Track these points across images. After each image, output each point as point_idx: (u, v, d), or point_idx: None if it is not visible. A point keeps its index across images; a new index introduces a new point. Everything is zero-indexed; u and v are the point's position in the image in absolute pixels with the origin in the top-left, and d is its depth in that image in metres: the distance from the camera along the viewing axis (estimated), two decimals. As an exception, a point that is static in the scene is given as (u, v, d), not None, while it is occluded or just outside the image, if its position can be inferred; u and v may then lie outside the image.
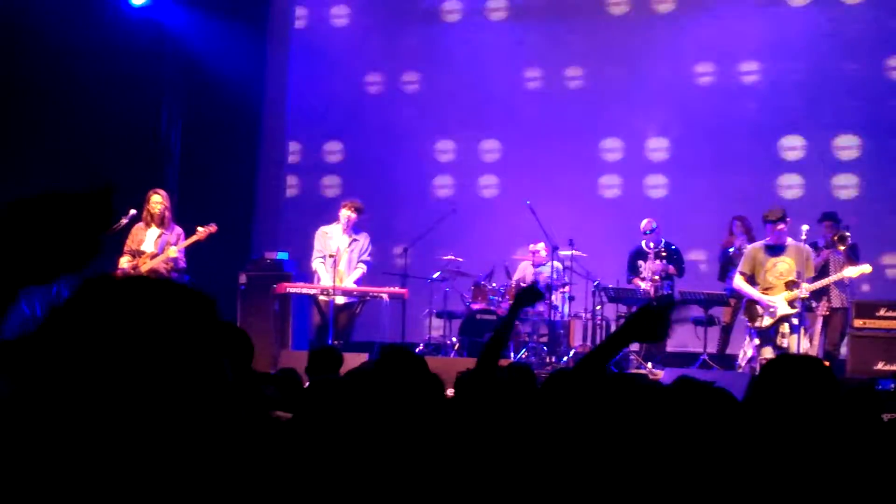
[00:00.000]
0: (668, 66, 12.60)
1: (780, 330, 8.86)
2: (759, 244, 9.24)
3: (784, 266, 8.94)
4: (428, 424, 2.98)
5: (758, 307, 8.96)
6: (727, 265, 10.75)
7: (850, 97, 12.04)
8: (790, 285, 8.85)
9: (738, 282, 9.19)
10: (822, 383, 3.01)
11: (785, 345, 8.78)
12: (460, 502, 2.68)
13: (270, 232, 13.78)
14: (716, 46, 12.48)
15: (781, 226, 8.96)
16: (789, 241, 9.05)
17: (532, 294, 4.14)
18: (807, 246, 9.17)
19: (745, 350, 9.10)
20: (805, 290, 8.85)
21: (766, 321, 8.89)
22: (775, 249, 9.02)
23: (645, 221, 11.10)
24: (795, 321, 8.86)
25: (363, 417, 3.01)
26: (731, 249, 10.70)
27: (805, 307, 9.04)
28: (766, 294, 8.92)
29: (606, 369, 3.23)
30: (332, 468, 2.65)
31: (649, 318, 3.07)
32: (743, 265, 9.21)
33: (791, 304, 8.83)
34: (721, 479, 2.54)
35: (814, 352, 8.99)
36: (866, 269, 9.12)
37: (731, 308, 10.75)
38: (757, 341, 8.96)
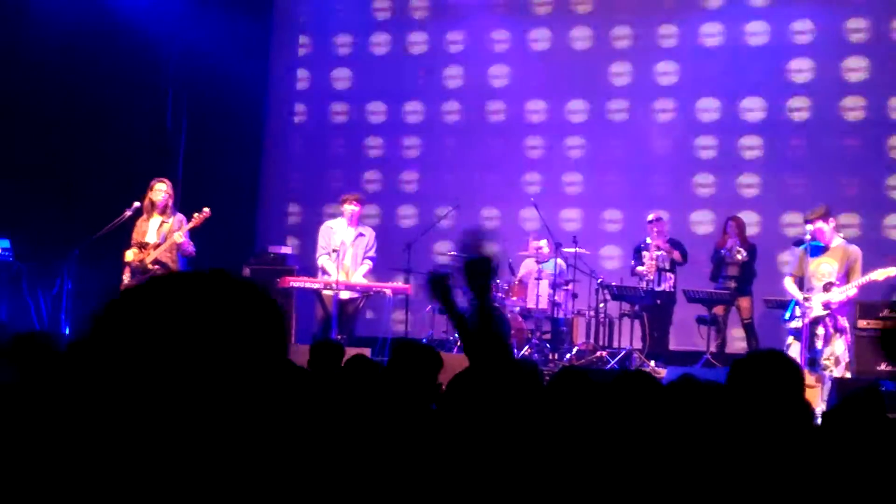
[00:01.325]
0: (672, 62, 12.60)
1: (815, 332, 8.88)
2: (805, 245, 9.20)
3: (826, 268, 8.94)
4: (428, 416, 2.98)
5: (797, 308, 8.99)
6: (720, 265, 10.77)
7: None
8: (827, 287, 8.86)
9: (787, 284, 9.23)
10: (788, 376, 3.04)
11: (819, 346, 8.81)
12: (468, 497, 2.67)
13: (274, 226, 13.78)
14: (722, 45, 12.47)
15: (820, 224, 8.93)
16: (837, 241, 9.04)
17: (442, 281, 3.74)
18: (855, 247, 9.16)
19: (786, 350, 9.12)
20: (838, 294, 8.85)
21: (799, 322, 8.93)
22: (817, 250, 9.02)
23: (652, 215, 11.09)
24: (832, 330, 8.85)
25: (374, 411, 3.01)
26: (723, 251, 10.70)
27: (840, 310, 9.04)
28: (810, 295, 8.94)
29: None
30: (346, 462, 2.65)
31: (474, 267, 3.14)
32: (792, 268, 9.26)
33: (826, 306, 8.84)
34: (718, 473, 2.54)
35: (850, 355, 8.98)
36: (892, 271, 9.01)
37: (724, 306, 10.76)
38: (790, 340, 9.01)
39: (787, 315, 9.20)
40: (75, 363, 1.34)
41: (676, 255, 10.92)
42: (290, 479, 1.48)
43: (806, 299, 8.92)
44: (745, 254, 10.56)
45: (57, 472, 1.29)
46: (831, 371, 8.76)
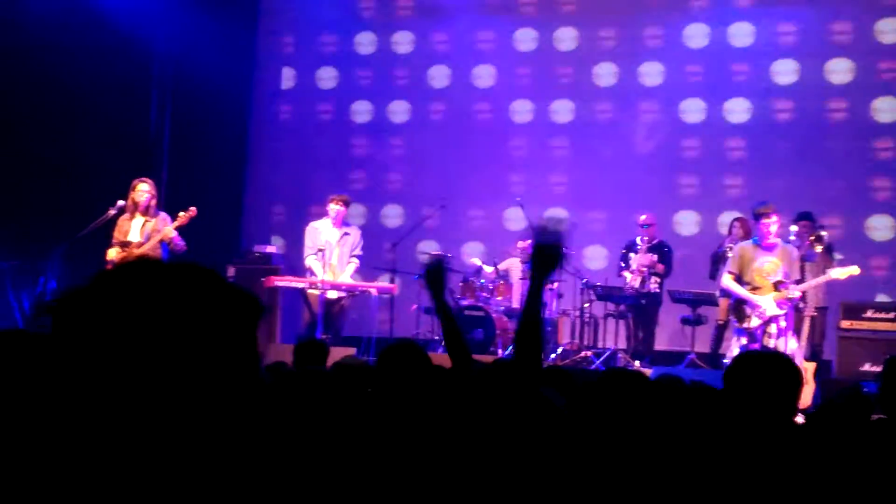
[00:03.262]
0: (656, 63, 12.63)
1: (767, 330, 8.82)
2: (747, 242, 9.17)
3: (770, 266, 8.85)
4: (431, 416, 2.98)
5: (746, 307, 8.90)
6: (717, 262, 10.75)
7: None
8: (778, 286, 8.80)
9: (727, 281, 9.10)
10: (787, 377, 3.05)
11: (772, 346, 8.72)
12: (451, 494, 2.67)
13: (259, 225, 13.75)
14: (707, 48, 12.51)
15: (766, 221, 8.86)
16: (779, 240, 8.98)
17: (439, 271, 3.77)
18: (793, 246, 9.12)
19: (733, 349, 9.05)
20: (793, 290, 8.82)
21: (755, 321, 8.83)
22: (763, 248, 8.97)
23: (644, 216, 11.10)
24: (783, 323, 8.83)
25: (358, 407, 3.00)
26: (721, 249, 10.68)
27: (794, 308, 8.99)
28: (755, 294, 8.86)
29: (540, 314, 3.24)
30: (335, 462, 2.64)
31: (546, 251, 3.14)
32: (731, 264, 9.12)
33: (779, 304, 8.79)
34: (698, 472, 2.54)
35: (801, 352, 8.94)
36: (854, 270, 9.01)
37: (724, 307, 10.73)
38: (744, 341, 8.89)
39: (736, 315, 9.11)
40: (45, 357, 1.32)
41: (660, 267, 10.91)
42: (263, 477, 1.46)
43: (756, 294, 8.85)
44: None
45: (28, 467, 1.28)
46: None
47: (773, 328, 8.80)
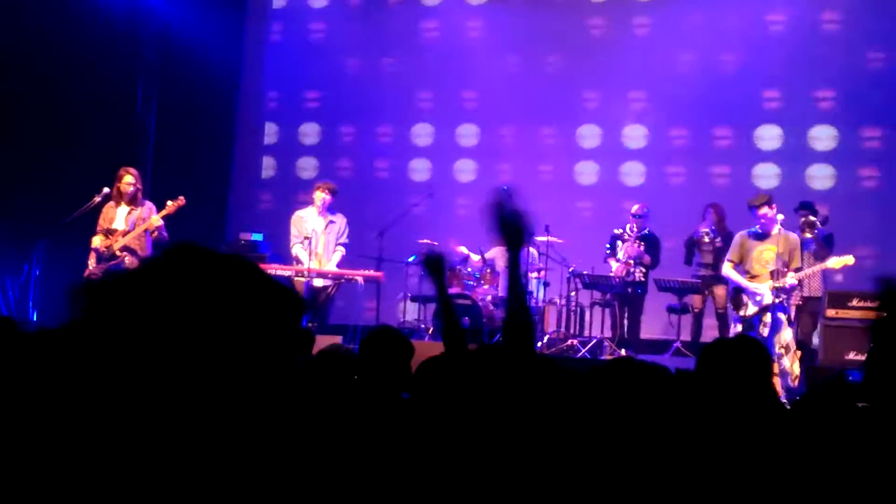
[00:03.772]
0: (647, 53, 12.62)
1: (763, 319, 8.88)
2: (745, 231, 9.25)
3: (769, 254, 8.93)
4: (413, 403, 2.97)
5: (743, 295, 8.98)
6: (691, 249, 10.80)
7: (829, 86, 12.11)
8: (775, 274, 8.86)
9: (727, 269, 9.21)
10: (758, 360, 3.05)
11: (766, 334, 8.79)
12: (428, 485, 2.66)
13: (246, 213, 13.72)
14: (696, 35, 12.50)
15: (764, 210, 8.93)
16: (778, 228, 9.05)
17: (437, 261, 3.86)
18: (794, 234, 9.18)
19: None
20: (792, 278, 8.87)
21: (751, 309, 8.91)
22: (761, 236, 9.03)
23: (636, 206, 11.10)
24: (782, 316, 8.88)
25: (343, 396, 3.00)
26: (696, 234, 10.71)
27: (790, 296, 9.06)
28: (753, 282, 8.94)
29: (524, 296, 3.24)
30: (320, 451, 2.63)
31: (509, 224, 3.14)
32: (731, 252, 9.22)
33: (777, 293, 8.85)
34: (672, 460, 2.54)
35: (793, 341, 9.00)
36: (849, 259, 9.04)
37: (700, 295, 10.78)
38: (739, 328, 8.97)
39: (732, 303, 9.19)
40: (69, 343, 1.29)
41: (647, 259, 10.93)
42: (275, 469, 1.46)
43: (754, 282, 8.93)
44: (712, 236, 10.56)
45: (41, 459, 1.27)
46: (783, 359, 8.73)
47: (768, 317, 8.86)
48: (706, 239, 10.54)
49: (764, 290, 8.84)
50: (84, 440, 1.24)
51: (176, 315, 1.26)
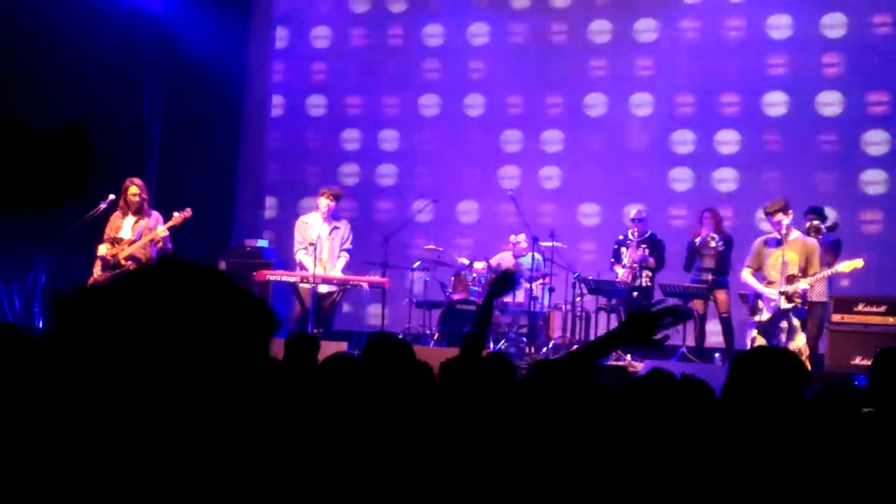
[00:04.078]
0: (649, 55, 12.63)
1: (780, 325, 8.90)
2: (763, 237, 9.27)
3: (783, 260, 8.96)
4: (415, 410, 2.97)
5: (759, 301, 9.01)
6: (693, 255, 10.79)
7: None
8: (791, 279, 8.88)
9: (745, 275, 9.26)
10: (794, 374, 3.03)
11: (783, 340, 8.81)
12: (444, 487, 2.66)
13: (250, 219, 13.74)
14: (699, 39, 12.51)
15: (779, 217, 8.96)
16: (795, 233, 9.08)
17: (506, 282, 4.30)
18: (812, 239, 9.19)
19: (748, 344, 9.12)
20: (805, 283, 8.88)
21: (766, 315, 8.95)
22: (777, 242, 9.06)
23: (634, 210, 11.12)
24: (796, 322, 8.88)
25: (349, 404, 2.99)
26: (698, 240, 10.71)
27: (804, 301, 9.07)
28: (770, 288, 8.97)
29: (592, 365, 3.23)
30: (318, 455, 2.63)
31: (641, 323, 3.07)
32: (749, 259, 9.27)
33: (790, 298, 8.87)
34: (698, 472, 2.54)
35: (805, 346, 9.01)
36: (858, 263, 9.04)
37: (703, 301, 10.77)
38: (754, 333, 9.01)
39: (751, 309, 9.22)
40: (49, 354, 1.31)
41: (651, 261, 10.93)
42: (267, 471, 1.46)
43: (767, 292, 8.96)
44: (718, 241, 10.55)
45: (31, 464, 1.27)
46: None
47: (784, 323, 8.88)
48: (712, 244, 10.54)
49: (777, 296, 8.88)
50: (71, 444, 1.25)
51: (142, 325, 1.28)
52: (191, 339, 1.28)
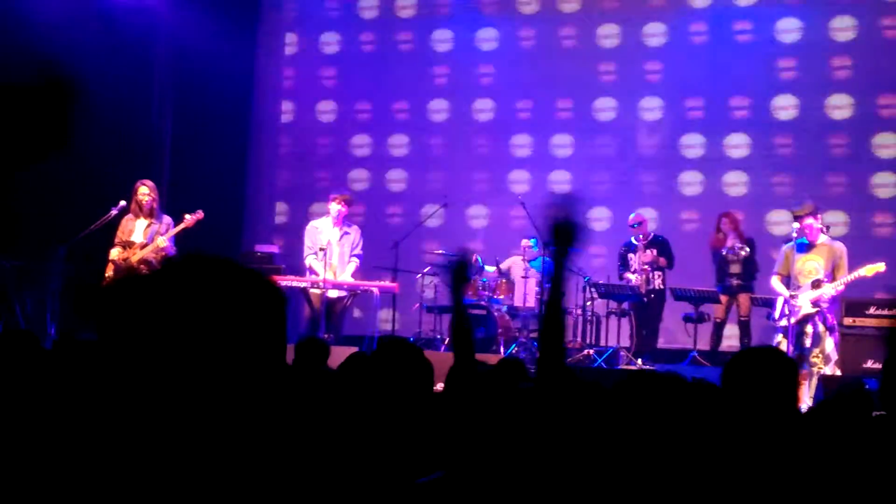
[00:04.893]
0: (652, 58, 12.63)
1: (805, 330, 8.90)
2: (791, 243, 9.26)
3: (812, 265, 8.96)
4: (421, 413, 2.98)
5: (786, 307, 9.02)
6: (723, 265, 10.75)
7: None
8: (816, 284, 8.87)
9: (774, 282, 9.28)
10: (784, 372, 3.04)
11: (808, 344, 8.81)
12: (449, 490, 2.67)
13: (261, 225, 13.76)
14: (703, 43, 12.50)
15: (808, 221, 8.97)
16: (823, 238, 9.08)
17: (463, 271, 3.77)
18: (840, 244, 9.19)
19: None
20: (830, 289, 8.87)
21: (791, 320, 8.95)
22: (804, 247, 9.06)
23: (632, 215, 11.13)
24: (822, 327, 8.87)
25: (359, 406, 3.00)
26: (724, 251, 10.70)
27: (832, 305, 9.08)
28: (797, 293, 8.97)
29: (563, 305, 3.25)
30: (325, 457, 2.64)
31: (562, 227, 3.12)
32: (778, 265, 9.32)
33: (815, 303, 8.86)
34: (697, 472, 2.54)
35: (834, 351, 9.00)
36: (880, 267, 9.05)
37: (723, 305, 10.75)
38: (779, 338, 9.02)
39: (777, 314, 9.23)
40: (68, 357, 1.33)
41: (662, 261, 10.94)
42: (282, 473, 1.47)
43: (793, 297, 8.96)
44: (748, 249, 10.60)
45: (54, 465, 1.28)
46: (821, 369, 8.78)
47: (808, 328, 8.87)
48: (742, 254, 10.55)
49: (802, 301, 8.87)
50: (91, 442, 1.27)
51: (172, 319, 1.29)
52: (227, 334, 1.30)
